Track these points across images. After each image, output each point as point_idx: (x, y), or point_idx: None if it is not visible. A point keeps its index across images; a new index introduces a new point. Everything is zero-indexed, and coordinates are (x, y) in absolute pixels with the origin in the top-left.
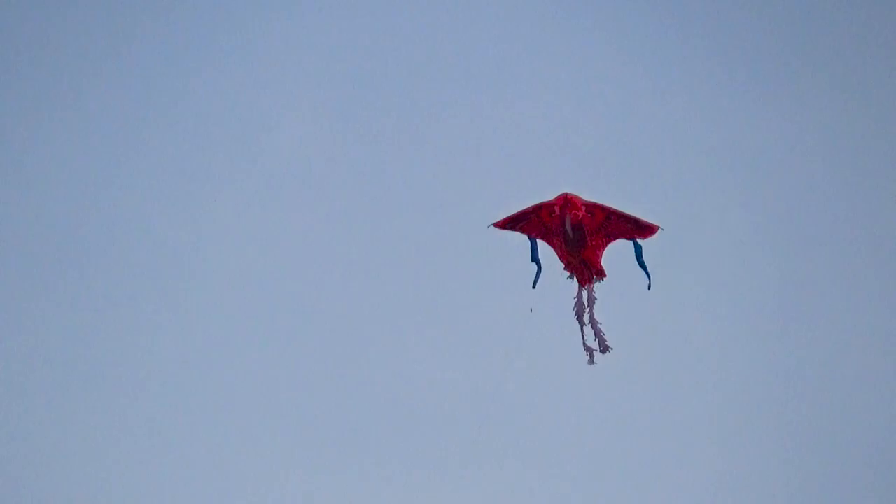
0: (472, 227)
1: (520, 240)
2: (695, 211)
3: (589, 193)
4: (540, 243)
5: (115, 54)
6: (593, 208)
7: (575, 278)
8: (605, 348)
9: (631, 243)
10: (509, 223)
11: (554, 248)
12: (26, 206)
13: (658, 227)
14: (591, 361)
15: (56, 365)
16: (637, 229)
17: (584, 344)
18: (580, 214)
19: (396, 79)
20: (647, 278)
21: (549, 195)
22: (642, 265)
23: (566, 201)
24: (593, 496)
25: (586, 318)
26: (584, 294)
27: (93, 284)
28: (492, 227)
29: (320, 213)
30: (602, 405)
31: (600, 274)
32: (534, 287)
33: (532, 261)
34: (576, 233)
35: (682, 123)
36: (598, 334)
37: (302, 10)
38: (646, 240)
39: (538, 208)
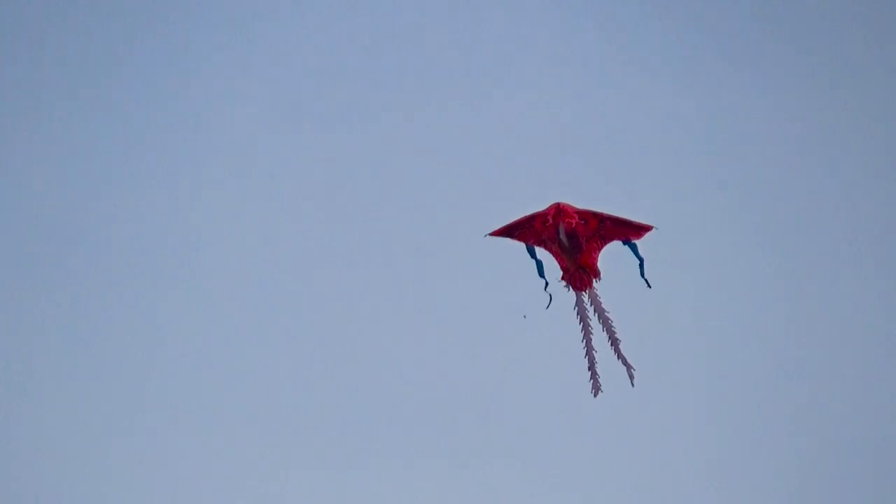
0: (465, 225)
1: (514, 243)
2: (692, 208)
3: (582, 190)
4: (539, 251)
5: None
6: (586, 215)
7: (571, 286)
8: (630, 372)
9: (632, 253)
10: (506, 232)
11: (552, 254)
12: None
13: (651, 226)
14: (596, 392)
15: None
16: (630, 230)
17: (590, 362)
18: (573, 223)
19: (383, 77)
20: (641, 268)
21: (541, 192)
22: (637, 255)
23: (558, 210)
24: (591, 497)
25: (595, 333)
26: (586, 299)
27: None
28: (488, 236)
29: (309, 212)
30: (601, 405)
31: (597, 274)
32: (541, 276)
33: (539, 275)
34: (571, 240)
35: (677, 119)
36: (618, 354)
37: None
38: (640, 239)
39: (531, 218)
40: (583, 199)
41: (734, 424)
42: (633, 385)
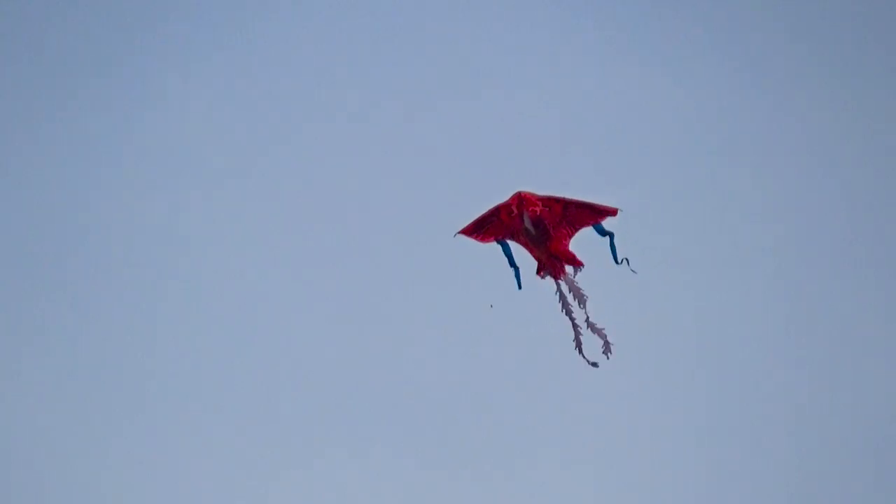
0: (460, 222)
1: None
2: (690, 206)
3: (580, 188)
4: (512, 245)
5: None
6: (549, 202)
7: (549, 275)
8: (606, 348)
9: (600, 236)
10: (474, 228)
11: (523, 246)
12: None
13: (617, 209)
14: (590, 362)
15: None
16: (597, 214)
17: (578, 344)
18: (538, 210)
19: (378, 76)
20: (622, 260)
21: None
22: (613, 251)
23: (521, 200)
24: (588, 496)
25: (579, 316)
26: (564, 286)
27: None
28: (458, 235)
29: (307, 212)
30: (597, 403)
31: (573, 262)
32: (519, 288)
33: (510, 266)
34: (538, 228)
35: (675, 118)
36: (597, 333)
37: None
38: (607, 221)
39: (496, 211)
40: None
41: (733, 423)
42: (608, 356)
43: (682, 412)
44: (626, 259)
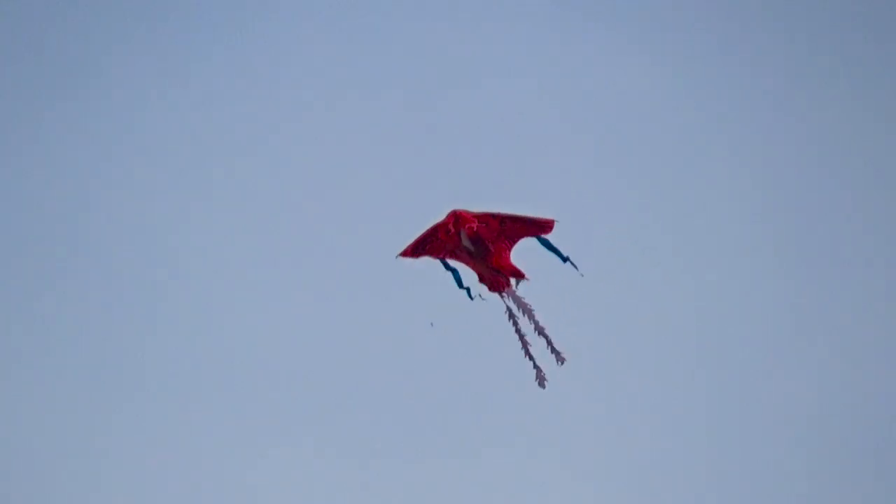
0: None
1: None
2: (688, 205)
3: (576, 186)
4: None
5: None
6: (485, 218)
7: (493, 289)
8: (560, 359)
9: (552, 253)
10: (414, 249)
11: (464, 263)
12: None
13: (553, 220)
14: (543, 383)
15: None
16: (534, 227)
17: (530, 357)
18: (474, 227)
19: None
20: (566, 261)
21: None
22: (554, 250)
23: (457, 218)
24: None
25: (529, 327)
26: (510, 300)
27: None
28: (399, 257)
29: (307, 211)
30: (595, 401)
31: (517, 275)
32: (459, 287)
33: (459, 287)
34: (476, 245)
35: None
36: (548, 343)
37: None
38: (549, 234)
39: (434, 231)
40: (577, 196)
41: (732, 422)
42: (563, 361)
43: (679, 410)
44: (570, 258)
